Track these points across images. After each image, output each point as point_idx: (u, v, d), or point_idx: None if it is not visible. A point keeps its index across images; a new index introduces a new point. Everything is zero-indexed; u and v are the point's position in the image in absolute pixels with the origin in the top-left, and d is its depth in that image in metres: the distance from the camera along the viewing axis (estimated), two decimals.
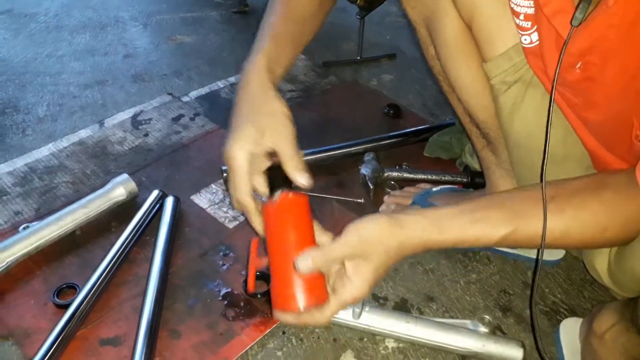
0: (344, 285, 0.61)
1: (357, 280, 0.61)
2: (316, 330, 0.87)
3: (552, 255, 1.00)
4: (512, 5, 0.74)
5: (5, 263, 0.90)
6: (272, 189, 0.66)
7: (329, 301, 0.62)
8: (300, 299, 0.60)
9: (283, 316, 0.64)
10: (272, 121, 0.67)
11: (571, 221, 0.61)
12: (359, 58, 1.65)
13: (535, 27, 0.74)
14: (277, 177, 0.65)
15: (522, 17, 0.74)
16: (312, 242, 0.63)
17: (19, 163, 1.16)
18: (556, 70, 0.65)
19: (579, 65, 0.68)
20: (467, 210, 0.62)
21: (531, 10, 0.72)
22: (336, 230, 0.64)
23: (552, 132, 0.72)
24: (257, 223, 0.67)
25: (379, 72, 1.62)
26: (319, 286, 0.62)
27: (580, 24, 0.63)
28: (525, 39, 0.76)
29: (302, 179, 0.64)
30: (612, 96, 0.67)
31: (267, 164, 0.68)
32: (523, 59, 0.79)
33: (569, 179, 0.66)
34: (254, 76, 0.71)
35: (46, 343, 0.78)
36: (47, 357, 0.77)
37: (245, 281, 0.92)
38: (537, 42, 0.75)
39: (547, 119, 0.68)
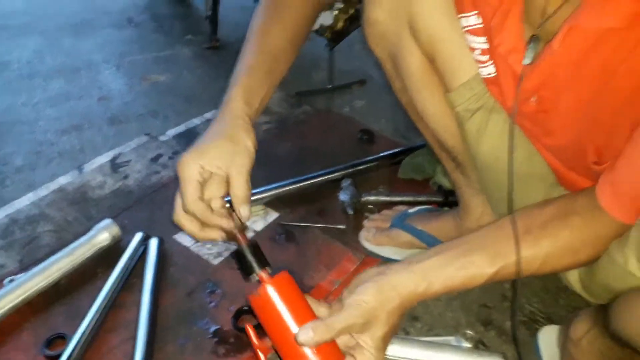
0: (362, 352, 0.63)
1: (373, 349, 0.62)
2: None
3: None
4: (469, 42, 0.79)
5: None
6: (247, 271, 0.66)
7: None
8: None
9: None
10: (231, 147, 0.69)
11: (548, 250, 0.65)
12: (330, 86, 1.71)
13: (491, 61, 0.79)
14: (253, 255, 0.65)
15: (478, 52, 0.79)
16: (311, 315, 0.63)
17: (0, 215, 1.16)
18: (515, 104, 0.71)
19: (533, 98, 0.74)
20: (450, 258, 0.65)
21: (486, 45, 0.77)
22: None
23: (517, 153, 0.77)
24: (212, 232, 0.70)
25: (351, 99, 1.67)
26: (333, 354, 0.62)
27: (532, 62, 0.68)
28: (483, 71, 0.81)
29: (243, 210, 0.67)
30: (567, 125, 0.72)
31: (223, 191, 0.70)
32: (484, 87, 0.84)
33: (538, 207, 0.69)
34: (229, 106, 0.73)
35: None
36: None
37: (235, 316, 0.94)
38: (494, 74, 0.80)
39: (509, 148, 0.73)
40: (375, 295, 0.62)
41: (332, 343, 0.62)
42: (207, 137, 0.71)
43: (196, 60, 1.84)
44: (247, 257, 0.65)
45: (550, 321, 0.96)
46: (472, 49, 0.79)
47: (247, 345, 0.91)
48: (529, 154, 0.86)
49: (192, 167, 0.67)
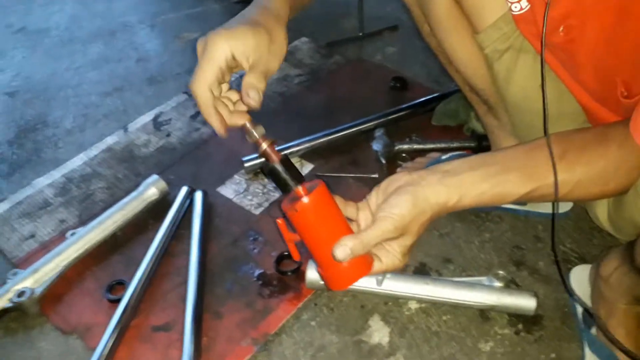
0: (387, 256, 0.64)
1: (399, 255, 0.64)
2: (344, 299, 0.95)
3: (560, 207, 1.05)
4: None
5: (60, 268, 1.00)
6: (283, 188, 0.64)
7: (374, 268, 0.65)
8: (351, 278, 0.63)
9: None
10: (266, 40, 0.63)
11: (580, 177, 0.64)
12: (360, 34, 1.69)
13: None
14: (288, 170, 0.63)
15: None
16: (346, 226, 0.64)
17: (57, 175, 1.25)
18: (543, 32, 0.70)
19: (561, 28, 0.73)
20: (485, 174, 0.64)
21: None
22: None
23: (547, 92, 0.76)
24: (214, 119, 0.64)
25: (383, 46, 1.66)
26: (364, 260, 0.63)
27: None
28: (515, 7, 0.80)
29: (252, 94, 0.62)
30: (594, 57, 0.72)
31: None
32: (512, 27, 0.84)
33: (574, 132, 0.69)
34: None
35: (106, 334, 0.88)
36: (108, 347, 0.87)
37: (277, 261, 1.01)
38: (527, 8, 0.79)
39: (541, 80, 0.73)
40: (410, 210, 0.61)
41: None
42: (237, 21, 0.64)
43: (227, 15, 1.81)
44: (281, 174, 0.63)
45: (584, 261, 0.98)
46: None
47: (289, 287, 0.97)
48: (558, 92, 0.86)
49: (220, 47, 0.60)
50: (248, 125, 0.65)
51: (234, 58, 0.62)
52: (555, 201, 0.66)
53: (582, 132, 0.68)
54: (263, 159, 1.20)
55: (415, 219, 0.62)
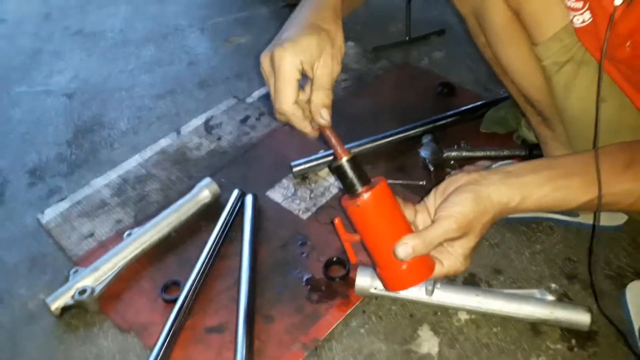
0: (449, 259, 0.63)
1: (461, 257, 0.63)
2: (393, 307, 0.96)
3: (613, 220, 1.03)
4: None
5: (117, 267, 1.04)
6: (349, 189, 0.62)
7: (435, 272, 0.64)
8: (411, 280, 0.62)
9: None
10: (328, 42, 0.63)
11: None
12: (407, 38, 1.69)
13: (587, 6, 0.77)
14: (354, 169, 0.62)
15: None
16: (406, 224, 0.63)
17: (113, 175, 1.30)
18: (603, 46, 0.69)
19: (628, 43, 0.72)
20: (548, 177, 0.62)
21: None
22: None
23: (608, 104, 0.75)
24: (305, 126, 0.65)
25: (429, 50, 1.65)
26: (425, 262, 0.62)
27: (623, 2, 0.66)
28: (578, 19, 0.79)
29: (324, 114, 0.63)
30: None
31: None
32: (573, 39, 0.82)
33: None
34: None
35: (162, 334, 0.91)
36: (164, 347, 0.90)
37: (325, 266, 1.02)
38: (590, 20, 0.78)
39: (597, 93, 0.71)
40: (473, 208, 0.60)
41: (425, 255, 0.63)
42: (296, 27, 0.64)
43: (274, 19, 1.87)
44: (348, 174, 0.62)
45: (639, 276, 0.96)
46: None
47: (338, 292, 0.99)
48: (620, 105, 0.84)
49: (290, 62, 0.61)
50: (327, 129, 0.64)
51: (303, 68, 0.62)
52: (598, 211, 0.63)
53: None
54: (312, 163, 1.24)
55: (477, 218, 0.60)
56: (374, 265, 0.66)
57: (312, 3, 0.68)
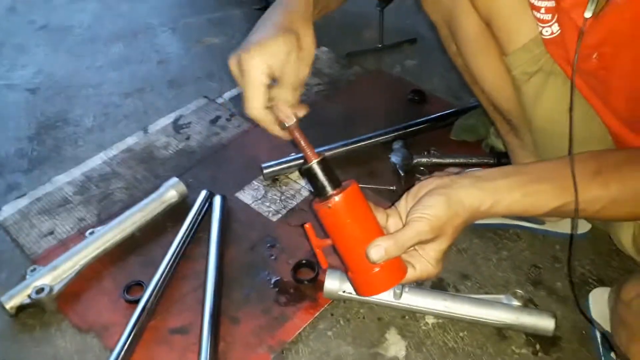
0: (421, 262, 0.63)
1: (433, 260, 0.63)
2: (361, 310, 0.95)
3: (578, 228, 1.05)
4: (532, 0, 0.79)
5: (78, 266, 1.00)
6: (319, 192, 0.61)
7: (407, 276, 0.64)
8: (384, 284, 0.62)
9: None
10: (295, 45, 0.63)
11: (615, 195, 0.63)
12: (380, 46, 1.70)
13: (555, 19, 0.79)
14: (324, 171, 0.61)
15: (542, 10, 0.79)
16: (377, 227, 0.62)
17: (76, 173, 1.26)
18: (575, 58, 0.70)
19: (595, 55, 0.74)
20: (519, 183, 0.63)
21: (551, 4, 0.77)
22: None
23: (575, 114, 0.76)
24: (276, 130, 0.65)
25: (402, 58, 1.67)
26: (398, 266, 0.62)
27: (593, 15, 0.68)
28: (547, 31, 0.81)
29: (288, 112, 0.62)
30: (628, 84, 0.72)
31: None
32: (542, 50, 0.84)
33: (607, 151, 0.69)
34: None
35: (124, 335, 0.88)
36: (125, 347, 0.87)
37: (294, 269, 1.01)
38: (558, 32, 0.80)
39: (570, 104, 0.73)
40: (445, 211, 0.60)
41: (397, 259, 0.62)
42: (264, 29, 0.64)
43: (247, 22, 1.86)
44: (318, 177, 0.61)
45: (602, 283, 0.98)
46: (537, 8, 0.78)
47: (306, 295, 0.98)
48: (586, 116, 0.86)
49: (256, 67, 0.60)
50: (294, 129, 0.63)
51: (271, 71, 0.62)
52: (576, 217, 0.64)
53: (615, 151, 0.68)
54: (283, 166, 1.22)
55: (449, 221, 0.60)
56: (345, 270, 0.66)
57: (283, 5, 0.67)
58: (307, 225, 0.66)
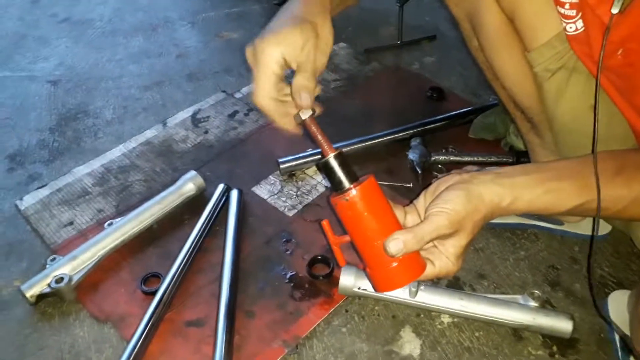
0: (441, 259, 0.62)
1: (453, 257, 0.62)
2: (376, 307, 0.95)
3: (599, 230, 1.04)
4: None
5: (97, 256, 1.01)
6: (336, 186, 0.61)
7: (426, 272, 0.63)
8: (402, 279, 0.61)
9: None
10: (312, 36, 0.62)
11: (637, 194, 0.62)
12: (399, 42, 1.69)
13: (580, 15, 0.78)
14: (341, 165, 0.61)
15: (567, 6, 0.78)
16: (396, 221, 0.62)
17: (96, 164, 1.28)
18: (600, 55, 0.69)
19: (620, 52, 0.72)
20: (540, 179, 0.62)
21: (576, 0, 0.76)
22: None
23: (598, 112, 0.75)
24: (284, 122, 0.66)
25: (421, 55, 1.66)
26: (416, 262, 0.61)
27: (619, 11, 0.67)
28: (571, 27, 0.80)
29: (304, 97, 0.62)
30: None
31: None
32: (566, 46, 0.83)
33: (629, 151, 0.68)
34: None
35: (140, 326, 0.89)
36: (142, 339, 0.88)
37: (309, 264, 1.01)
38: (582, 29, 0.78)
39: (594, 102, 0.72)
40: (465, 205, 0.59)
41: (416, 253, 0.62)
42: (282, 20, 0.64)
43: (266, 16, 1.86)
44: (335, 170, 0.61)
45: (621, 286, 0.96)
46: (561, 4, 0.77)
47: (321, 291, 0.98)
48: (609, 114, 0.84)
49: (269, 54, 0.60)
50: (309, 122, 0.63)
51: (285, 61, 0.62)
52: (597, 217, 0.64)
53: (637, 151, 0.67)
54: (299, 161, 1.23)
55: (469, 216, 0.60)
56: (363, 266, 0.65)
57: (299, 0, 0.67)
58: (324, 222, 0.65)
